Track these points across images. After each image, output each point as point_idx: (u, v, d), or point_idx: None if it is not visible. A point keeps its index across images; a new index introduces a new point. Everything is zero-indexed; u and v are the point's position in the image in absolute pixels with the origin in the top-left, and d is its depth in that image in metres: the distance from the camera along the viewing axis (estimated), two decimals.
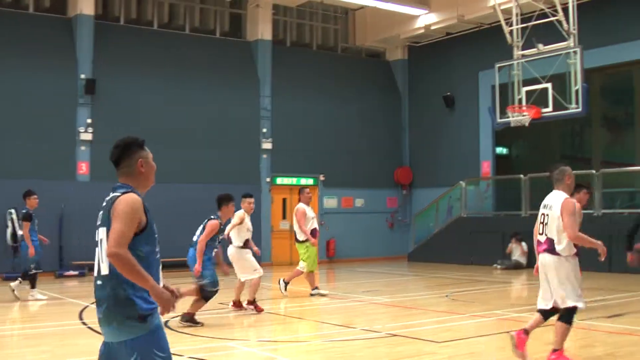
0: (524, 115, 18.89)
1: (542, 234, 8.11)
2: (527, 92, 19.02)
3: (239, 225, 13.01)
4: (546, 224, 8.07)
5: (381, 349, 9.38)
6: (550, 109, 18.55)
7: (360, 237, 26.83)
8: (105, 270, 4.41)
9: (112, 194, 4.56)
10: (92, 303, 14.29)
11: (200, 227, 11.48)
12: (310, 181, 26.50)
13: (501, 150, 27.94)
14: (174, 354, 6.78)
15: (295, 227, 15.23)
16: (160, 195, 22.57)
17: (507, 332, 10.39)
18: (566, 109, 18.17)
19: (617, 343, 9.34)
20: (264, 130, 25.28)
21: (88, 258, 20.70)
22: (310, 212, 15.42)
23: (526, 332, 8.11)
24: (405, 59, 29.39)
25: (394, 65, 29.57)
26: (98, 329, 10.72)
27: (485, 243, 23.37)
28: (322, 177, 26.63)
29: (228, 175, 23.73)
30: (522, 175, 23.29)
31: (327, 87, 27.17)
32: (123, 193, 4.50)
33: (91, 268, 17.62)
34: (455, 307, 13.72)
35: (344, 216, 26.84)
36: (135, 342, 4.32)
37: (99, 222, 4.53)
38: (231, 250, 13.10)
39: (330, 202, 27.03)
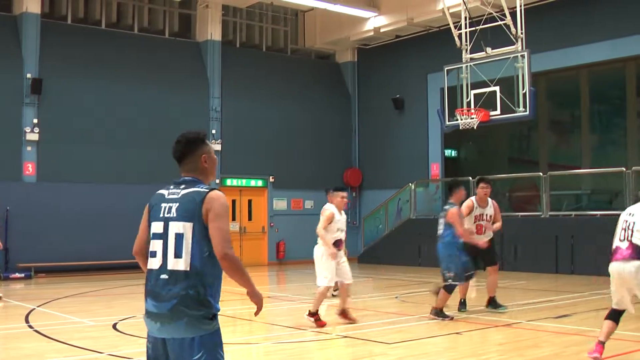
0: (472, 118, 19.00)
1: (623, 240, 8.14)
2: (475, 95, 19.13)
3: (329, 225, 12.08)
4: (632, 229, 8.13)
5: (332, 350, 9.38)
6: (498, 112, 18.68)
7: (309, 239, 26.37)
8: (183, 266, 4.33)
9: (189, 188, 4.52)
10: (39, 306, 14.06)
11: (441, 221, 12.24)
12: (260, 182, 26.45)
13: (450, 152, 28.14)
14: (120, 357, 6.71)
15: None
16: (109, 195, 22.34)
17: (457, 332, 10.48)
18: (514, 112, 18.31)
19: (564, 343, 9.45)
20: (213, 131, 25.14)
21: (34, 260, 20.49)
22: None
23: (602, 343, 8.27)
24: (354, 61, 29.46)
25: (344, 67, 29.62)
26: (45, 332, 10.54)
27: (434, 245, 23.40)
28: (271, 179, 26.58)
29: (177, 176, 23.51)
30: (470, 178, 23.45)
31: (277, 89, 27.12)
32: (210, 189, 4.46)
33: (38, 270, 17.32)
34: (405, 308, 13.79)
35: (293, 218, 26.80)
36: (203, 339, 4.31)
37: (171, 215, 4.44)
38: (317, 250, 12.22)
39: (280, 204, 26.99)
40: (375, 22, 26.22)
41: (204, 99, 25.18)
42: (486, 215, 12.83)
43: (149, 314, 4.39)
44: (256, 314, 4.63)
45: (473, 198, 12.96)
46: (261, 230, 26.47)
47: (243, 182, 26.09)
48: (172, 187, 4.59)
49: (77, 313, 13.05)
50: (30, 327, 11.48)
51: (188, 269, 4.31)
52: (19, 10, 22.13)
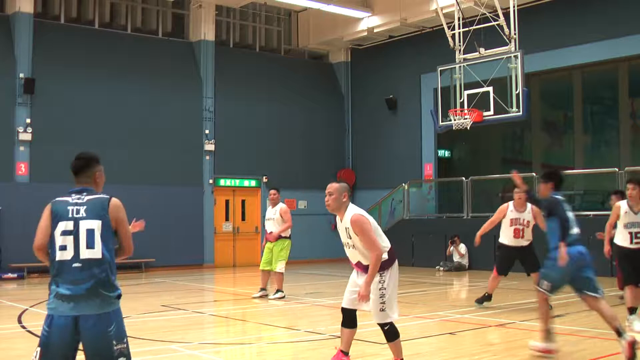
0: (465, 119, 19.05)
1: None
2: (468, 95, 19.19)
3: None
4: None
5: (325, 350, 9.37)
6: (491, 112, 18.74)
7: (303, 239, 26.69)
8: (95, 255, 5.27)
9: (91, 195, 5.53)
10: (32, 306, 14.04)
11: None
12: (253, 183, 26.44)
13: (443, 152, 28.17)
14: None
15: None
16: None
17: (450, 333, 10.49)
18: (507, 112, 18.37)
19: (557, 343, 9.45)
20: (207, 131, 25.13)
21: (26, 260, 20.41)
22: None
23: None
24: (348, 62, 29.48)
25: (337, 67, 29.63)
26: (38, 332, 10.52)
27: (427, 245, 23.52)
28: (265, 179, 26.55)
29: (170, 176, 23.57)
30: (463, 178, 23.51)
31: (270, 89, 27.12)
32: (110, 197, 5.53)
33: (30, 270, 17.35)
34: (399, 308, 13.76)
35: None
36: (113, 314, 5.27)
37: (80, 215, 5.37)
38: None
39: None
40: (368, 23, 26.23)
41: (197, 99, 25.15)
42: (523, 219, 12.87)
43: (61, 297, 5.21)
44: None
45: (511, 202, 13.01)
46: (254, 231, 26.45)
47: (236, 182, 26.07)
48: (73, 195, 5.55)
49: None
50: (23, 327, 11.46)
51: (100, 256, 5.29)
52: (12, 10, 22.09)
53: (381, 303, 7.78)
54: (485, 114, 18.80)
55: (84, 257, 5.26)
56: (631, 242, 10.51)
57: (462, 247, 22.23)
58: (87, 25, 24.03)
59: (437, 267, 22.48)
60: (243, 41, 28.03)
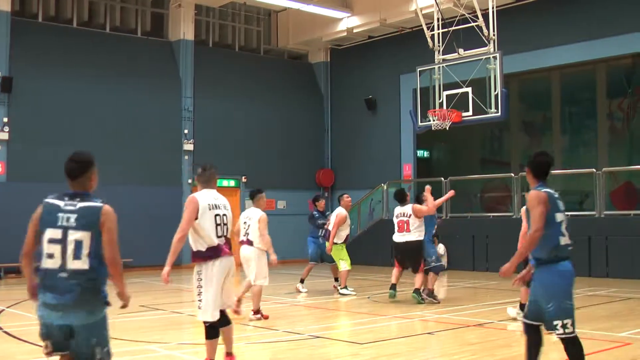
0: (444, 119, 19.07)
1: None
2: (447, 96, 19.19)
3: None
4: None
5: (304, 350, 9.36)
6: (470, 113, 18.75)
7: (282, 239, 26.50)
8: (84, 266, 5.19)
9: (85, 202, 5.32)
10: (9, 307, 13.93)
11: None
12: (232, 183, 26.37)
13: (422, 153, 28.21)
14: None
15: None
16: None
17: (429, 332, 10.51)
18: (486, 113, 18.39)
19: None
20: (186, 131, 25.04)
21: (3, 260, 20.26)
22: (348, 218, 16.42)
23: None
24: (327, 62, 29.48)
25: (316, 67, 29.63)
26: (15, 333, 10.45)
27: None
28: (244, 179, 26.50)
29: (149, 176, 23.47)
30: (442, 178, 23.55)
31: (250, 89, 27.07)
32: (104, 204, 5.35)
33: (7, 270, 17.17)
34: (377, 308, 13.78)
35: None
36: (98, 323, 5.28)
37: (69, 224, 5.23)
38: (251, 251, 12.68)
39: None
40: (348, 23, 26.25)
41: (176, 98, 25.05)
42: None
43: (48, 305, 5.18)
44: (123, 307, 5.55)
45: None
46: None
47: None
48: (66, 199, 5.35)
49: None
50: (0, 328, 11.37)
51: (87, 267, 5.20)
52: None
53: (198, 300, 7.59)
54: (464, 114, 18.83)
55: (71, 268, 5.18)
56: None
57: (441, 247, 22.26)
58: (65, 24, 23.87)
59: None
60: (222, 41, 27.97)
